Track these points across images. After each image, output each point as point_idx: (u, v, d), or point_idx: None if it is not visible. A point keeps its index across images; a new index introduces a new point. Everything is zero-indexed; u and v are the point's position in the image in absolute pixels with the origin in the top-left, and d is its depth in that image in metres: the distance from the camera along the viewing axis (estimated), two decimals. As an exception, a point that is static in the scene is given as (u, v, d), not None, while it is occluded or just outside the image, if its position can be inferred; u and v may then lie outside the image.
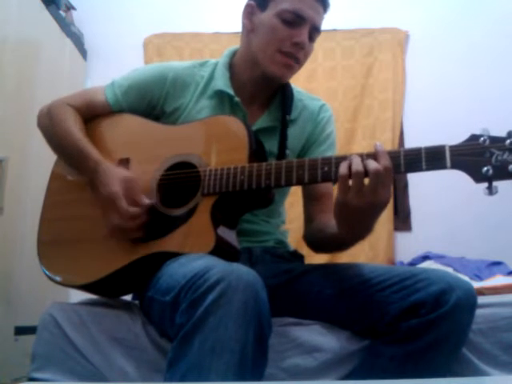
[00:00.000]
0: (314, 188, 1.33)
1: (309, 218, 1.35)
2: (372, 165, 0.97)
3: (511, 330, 1.13)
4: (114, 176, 1.16)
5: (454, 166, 0.95)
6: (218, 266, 0.90)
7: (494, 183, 0.93)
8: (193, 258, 1.00)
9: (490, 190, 0.93)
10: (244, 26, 1.32)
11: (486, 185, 0.93)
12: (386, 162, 0.98)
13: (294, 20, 1.23)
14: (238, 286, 0.86)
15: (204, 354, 0.82)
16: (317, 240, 1.30)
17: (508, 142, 0.92)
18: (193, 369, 0.82)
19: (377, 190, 0.97)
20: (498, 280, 1.86)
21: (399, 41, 2.91)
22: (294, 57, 1.26)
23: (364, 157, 1.00)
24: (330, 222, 1.17)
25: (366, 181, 0.99)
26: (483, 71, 2.80)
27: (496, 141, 0.93)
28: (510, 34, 2.81)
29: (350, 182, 0.99)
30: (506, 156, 0.92)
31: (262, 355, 0.90)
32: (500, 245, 2.48)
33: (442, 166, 0.95)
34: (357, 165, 0.98)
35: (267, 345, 0.91)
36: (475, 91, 2.77)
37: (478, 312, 1.06)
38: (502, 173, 0.91)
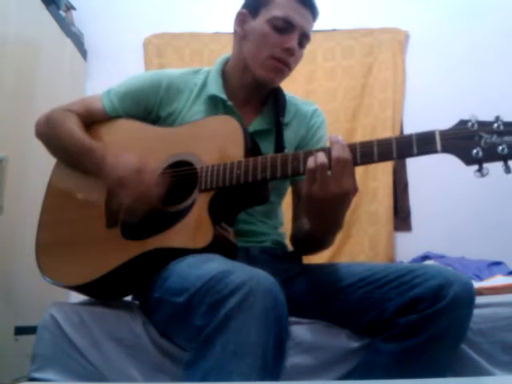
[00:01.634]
0: (302, 186, 1.34)
1: (294, 217, 1.38)
2: (333, 154, 1.02)
3: (511, 330, 1.13)
4: (126, 159, 1.18)
5: (445, 150, 0.96)
6: (238, 271, 0.91)
7: (485, 165, 0.94)
8: (203, 260, 1.01)
9: (481, 173, 0.94)
10: (236, 33, 1.36)
11: (476, 168, 0.94)
12: (344, 153, 1.02)
13: (285, 27, 1.28)
14: (259, 291, 0.88)
15: (226, 356, 0.84)
16: (298, 239, 1.32)
17: (496, 125, 0.94)
18: (214, 370, 0.84)
19: (338, 180, 1.01)
20: (498, 280, 1.86)
21: (399, 41, 2.91)
22: (285, 62, 1.29)
23: (327, 149, 1.04)
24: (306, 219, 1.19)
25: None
26: (483, 71, 2.80)
27: (484, 125, 0.95)
28: (511, 33, 2.81)
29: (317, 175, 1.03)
30: (494, 139, 0.93)
31: (281, 358, 0.91)
32: (500, 245, 2.48)
33: (433, 150, 0.97)
34: (321, 157, 1.02)
35: (285, 348, 0.92)
36: (475, 91, 2.77)
37: (478, 312, 1.06)
38: (491, 154, 0.93)
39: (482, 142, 0.94)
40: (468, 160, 0.95)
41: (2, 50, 2.02)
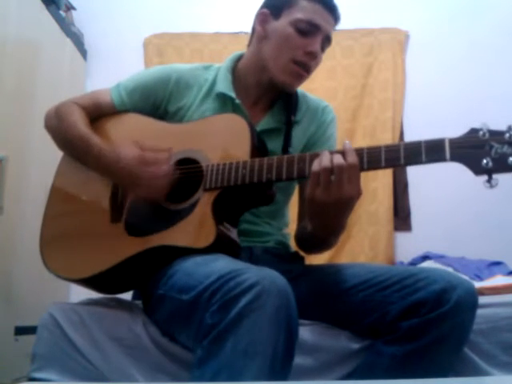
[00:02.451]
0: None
1: (300, 216, 1.37)
2: (337, 160, 1.00)
3: (511, 330, 1.13)
4: (123, 151, 1.18)
5: (454, 159, 0.95)
6: (250, 270, 0.91)
7: (494, 176, 0.92)
8: (210, 259, 1.01)
9: (491, 183, 0.92)
10: (255, 33, 1.34)
11: (485, 178, 0.93)
12: (351, 158, 1.00)
13: (308, 29, 1.26)
14: (272, 290, 0.88)
15: (237, 355, 0.84)
16: (302, 239, 1.32)
17: (507, 135, 0.92)
18: (224, 369, 0.84)
19: (342, 185, 1.00)
20: (498, 280, 1.86)
21: (399, 41, 2.91)
22: (306, 66, 1.29)
23: (333, 154, 1.02)
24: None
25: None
26: (483, 71, 2.80)
27: (495, 134, 0.93)
28: (511, 32, 2.81)
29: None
30: (505, 149, 0.91)
31: (290, 358, 0.91)
32: (500, 245, 2.48)
33: (442, 159, 0.96)
34: (325, 161, 1.01)
35: (294, 349, 0.92)
36: (475, 91, 2.77)
37: (478, 312, 1.06)
38: (501, 165, 0.91)
39: (493, 151, 0.92)
40: (477, 170, 0.93)
41: (2, 49, 2.02)
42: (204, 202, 1.12)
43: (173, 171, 1.17)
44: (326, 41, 1.31)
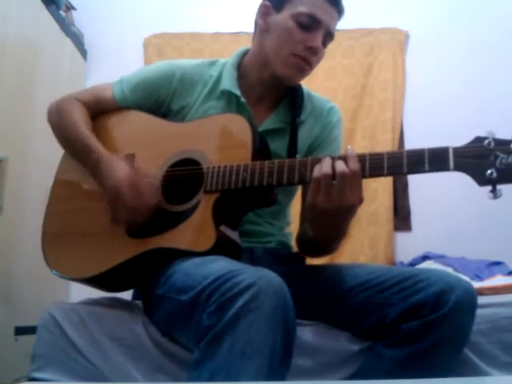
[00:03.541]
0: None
1: (302, 218, 1.36)
2: (339, 167, 0.99)
3: (511, 330, 1.13)
4: (118, 169, 1.17)
5: (457, 168, 0.93)
6: (247, 271, 0.91)
7: (498, 186, 0.91)
8: (208, 260, 1.01)
9: (495, 194, 0.91)
10: (257, 26, 1.32)
11: (489, 188, 0.91)
12: (353, 165, 0.99)
13: (310, 24, 1.23)
14: (269, 291, 0.88)
15: (234, 355, 0.83)
16: (303, 242, 1.31)
17: None
18: (222, 370, 0.83)
19: (344, 192, 0.99)
20: (498, 280, 1.86)
21: (399, 41, 2.91)
22: (307, 61, 1.26)
23: (335, 160, 1.01)
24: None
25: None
26: (484, 71, 2.80)
27: (501, 143, 0.91)
28: (511, 31, 2.81)
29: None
30: (510, 159, 0.90)
31: (288, 358, 0.91)
32: (500, 245, 2.48)
33: (445, 168, 0.94)
34: (326, 167, 1.00)
35: (292, 349, 0.92)
36: (476, 91, 2.77)
37: (478, 312, 1.05)
38: (506, 176, 0.89)
39: (498, 162, 0.90)
40: (481, 180, 0.91)
41: (2, 49, 2.02)
42: (204, 204, 1.11)
43: (156, 204, 1.15)
44: (328, 36, 1.28)
